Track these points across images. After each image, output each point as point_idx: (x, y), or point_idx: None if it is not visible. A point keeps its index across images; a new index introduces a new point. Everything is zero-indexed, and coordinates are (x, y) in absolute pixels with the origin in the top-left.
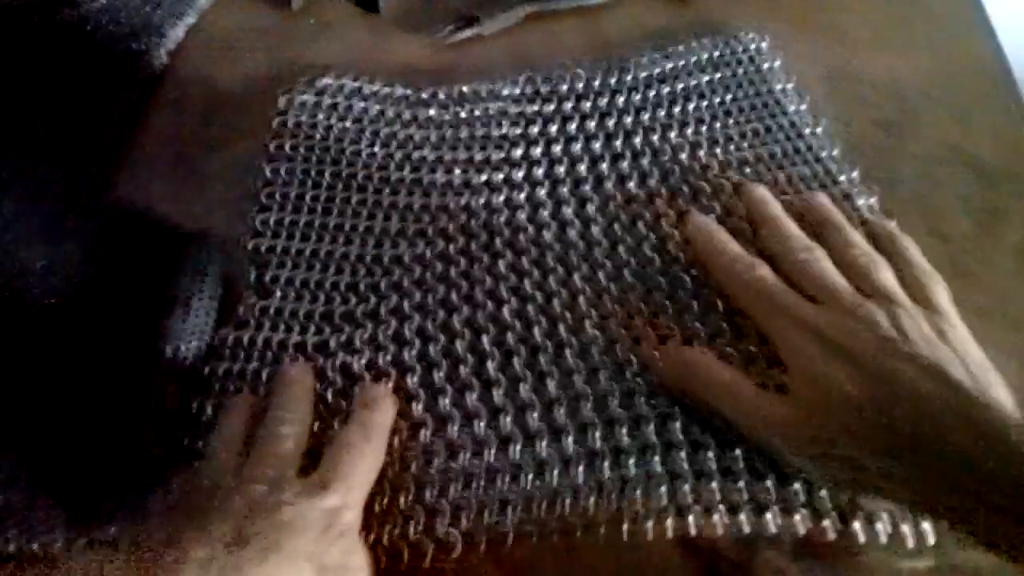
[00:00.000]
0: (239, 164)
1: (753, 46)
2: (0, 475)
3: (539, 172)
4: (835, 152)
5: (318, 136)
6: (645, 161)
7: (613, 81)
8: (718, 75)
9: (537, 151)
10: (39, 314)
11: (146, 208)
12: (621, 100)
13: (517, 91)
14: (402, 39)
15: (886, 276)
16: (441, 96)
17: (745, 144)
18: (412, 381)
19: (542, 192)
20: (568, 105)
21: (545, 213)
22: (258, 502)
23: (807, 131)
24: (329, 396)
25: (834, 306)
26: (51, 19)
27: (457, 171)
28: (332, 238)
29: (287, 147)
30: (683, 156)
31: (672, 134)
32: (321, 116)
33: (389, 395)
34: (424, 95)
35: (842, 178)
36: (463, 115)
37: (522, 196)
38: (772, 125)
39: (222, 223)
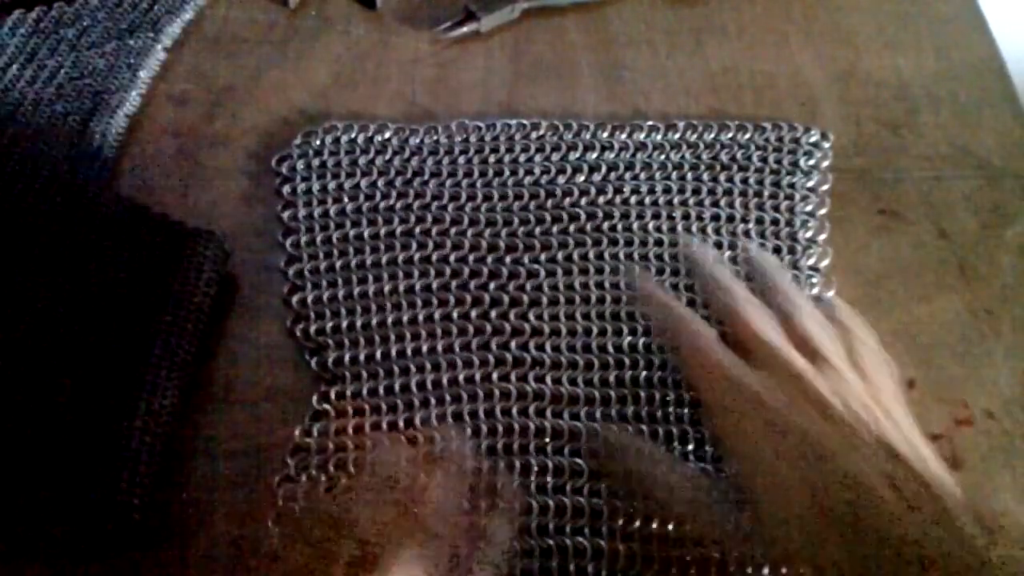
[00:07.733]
0: (241, 160)
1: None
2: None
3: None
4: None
5: (330, 199)
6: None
7: (639, 136)
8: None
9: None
10: (38, 309)
11: (148, 203)
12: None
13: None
14: (401, 35)
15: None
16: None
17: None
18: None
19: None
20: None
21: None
22: None
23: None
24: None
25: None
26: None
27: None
28: (355, 309)
29: (300, 215)
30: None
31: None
32: (329, 176)
33: None
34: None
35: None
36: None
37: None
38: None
39: (225, 219)
